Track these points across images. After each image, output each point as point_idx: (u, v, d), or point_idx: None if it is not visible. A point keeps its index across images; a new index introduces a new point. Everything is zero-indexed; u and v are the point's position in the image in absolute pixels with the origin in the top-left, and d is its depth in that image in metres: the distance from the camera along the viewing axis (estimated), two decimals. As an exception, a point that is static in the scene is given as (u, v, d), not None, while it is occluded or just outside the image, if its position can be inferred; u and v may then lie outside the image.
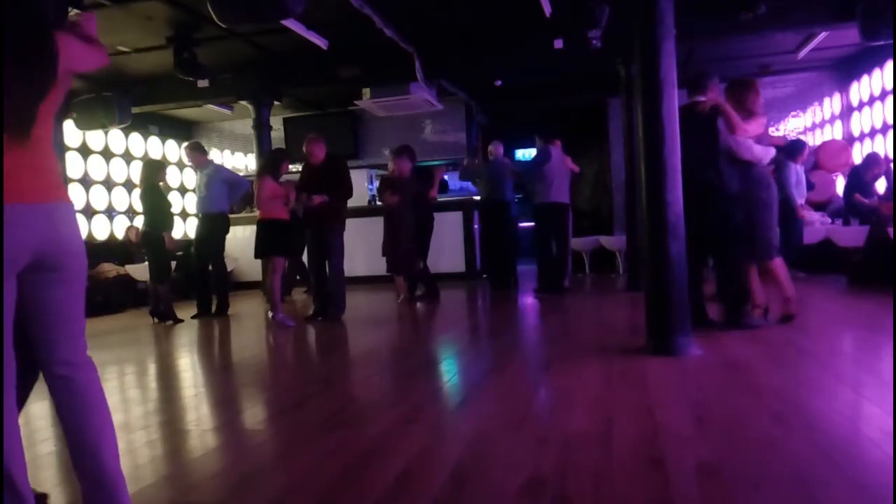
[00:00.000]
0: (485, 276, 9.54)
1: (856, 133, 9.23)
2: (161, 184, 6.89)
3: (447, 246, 9.37)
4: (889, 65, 8.06)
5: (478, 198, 9.00)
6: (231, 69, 8.10)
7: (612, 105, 10.45)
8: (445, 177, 10.23)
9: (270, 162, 6.49)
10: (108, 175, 9.29)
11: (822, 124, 10.04)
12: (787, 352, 3.84)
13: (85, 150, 8.91)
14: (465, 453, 2.33)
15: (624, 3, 4.50)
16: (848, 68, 9.34)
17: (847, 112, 9.53)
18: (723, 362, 3.54)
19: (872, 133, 8.76)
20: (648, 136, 3.85)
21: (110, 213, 9.31)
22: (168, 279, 6.89)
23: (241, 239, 9.28)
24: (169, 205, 6.97)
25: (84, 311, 1.81)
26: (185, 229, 10.55)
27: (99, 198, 9.13)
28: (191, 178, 10.33)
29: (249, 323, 6.80)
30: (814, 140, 9.83)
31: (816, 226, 8.02)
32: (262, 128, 8.60)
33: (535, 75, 9.59)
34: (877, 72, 8.58)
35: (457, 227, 9.74)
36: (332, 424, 2.81)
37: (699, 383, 3.15)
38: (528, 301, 7.17)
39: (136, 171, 9.41)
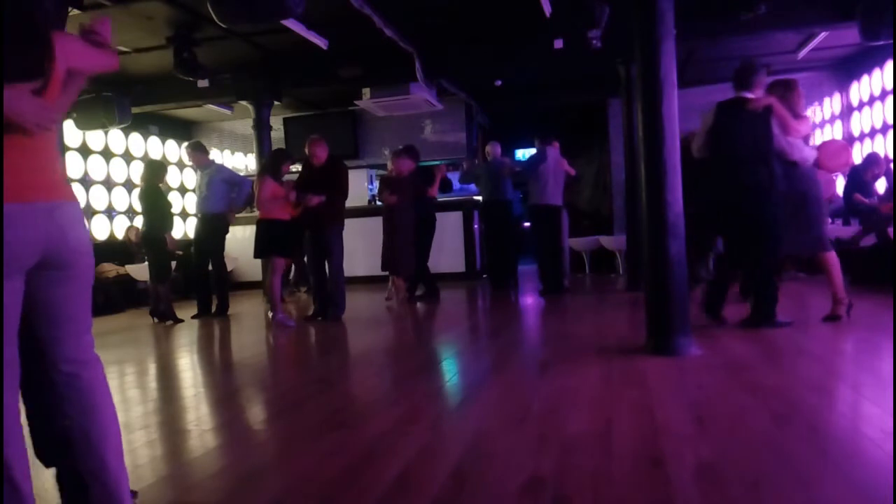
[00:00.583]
0: (485, 276, 9.53)
1: (856, 133, 9.23)
2: (161, 184, 6.89)
3: (447, 246, 9.36)
4: (889, 65, 8.06)
5: (478, 198, 8.99)
6: (231, 69, 8.09)
7: (612, 105, 10.46)
8: (448, 175, 10.21)
9: (271, 162, 6.48)
10: (108, 175, 9.28)
11: (822, 124, 10.04)
12: (787, 352, 3.84)
13: (85, 150, 8.90)
14: (465, 453, 2.33)
15: (624, 3, 4.49)
16: (848, 68, 9.34)
17: (847, 112, 9.53)
18: (723, 362, 3.54)
19: (872, 133, 8.75)
20: (648, 136, 3.86)
21: (110, 213, 9.30)
22: (168, 279, 6.90)
23: (241, 239, 9.29)
24: (169, 205, 6.97)
25: (91, 308, 1.82)
26: (185, 229, 10.55)
27: (99, 198, 9.12)
28: (191, 177, 10.33)
29: (249, 323, 6.80)
30: (813, 140, 9.81)
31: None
32: (262, 128, 8.60)
33: (535, 75, 9.59)
34: (877, 72, 8.58)
35: (457, 227, 9.74)
36: (332, 424, 2.81)
37: (699, 383, 3.14)
38: (529, 301, 7.16)
39: (136, 172, 9.41)
